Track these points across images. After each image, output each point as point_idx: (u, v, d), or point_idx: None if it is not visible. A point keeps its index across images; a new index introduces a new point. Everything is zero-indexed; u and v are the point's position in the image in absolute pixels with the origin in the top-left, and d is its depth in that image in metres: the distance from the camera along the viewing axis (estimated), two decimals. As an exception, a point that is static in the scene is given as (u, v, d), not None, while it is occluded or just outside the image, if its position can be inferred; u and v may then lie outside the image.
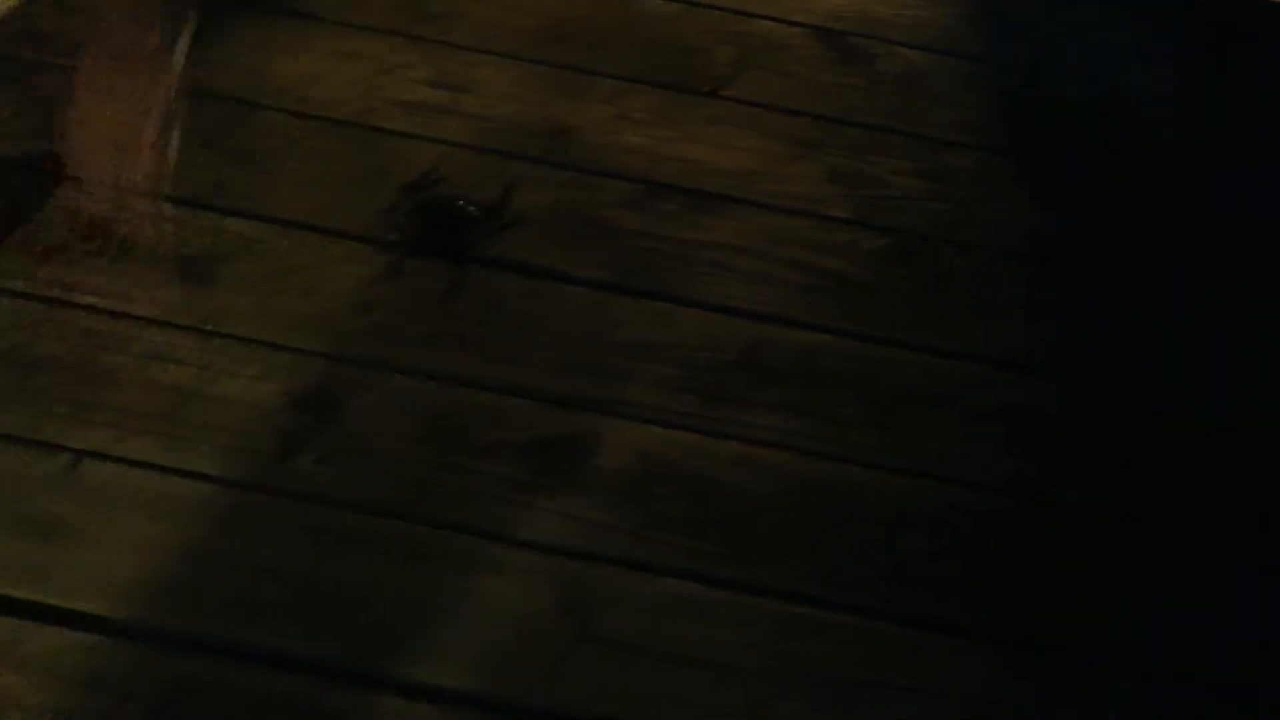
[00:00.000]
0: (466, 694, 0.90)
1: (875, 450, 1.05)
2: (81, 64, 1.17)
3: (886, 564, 0.99)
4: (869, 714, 0.91)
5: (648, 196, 1.17)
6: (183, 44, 1.16)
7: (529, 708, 0.90)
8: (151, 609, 0.92)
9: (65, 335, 1.03)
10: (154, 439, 0.99)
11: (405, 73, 1.21)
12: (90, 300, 1.05)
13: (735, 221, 1.16)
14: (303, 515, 0.97)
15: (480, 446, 1.02)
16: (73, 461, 0.97)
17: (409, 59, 1.22)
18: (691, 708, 0.91)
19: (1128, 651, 0.96)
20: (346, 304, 1.07)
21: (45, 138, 1.14)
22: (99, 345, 1.03)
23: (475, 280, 1.11)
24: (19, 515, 0.94)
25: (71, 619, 0.91)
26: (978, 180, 1.23)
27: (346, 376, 1.04)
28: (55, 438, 0.98)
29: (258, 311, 1.06)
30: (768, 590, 0.96)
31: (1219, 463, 1.06)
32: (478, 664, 0.92)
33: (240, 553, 0.95)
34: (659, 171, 1.19)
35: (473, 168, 1.17)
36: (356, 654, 0.91)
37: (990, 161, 1.24)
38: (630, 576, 0.96)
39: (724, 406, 1.06)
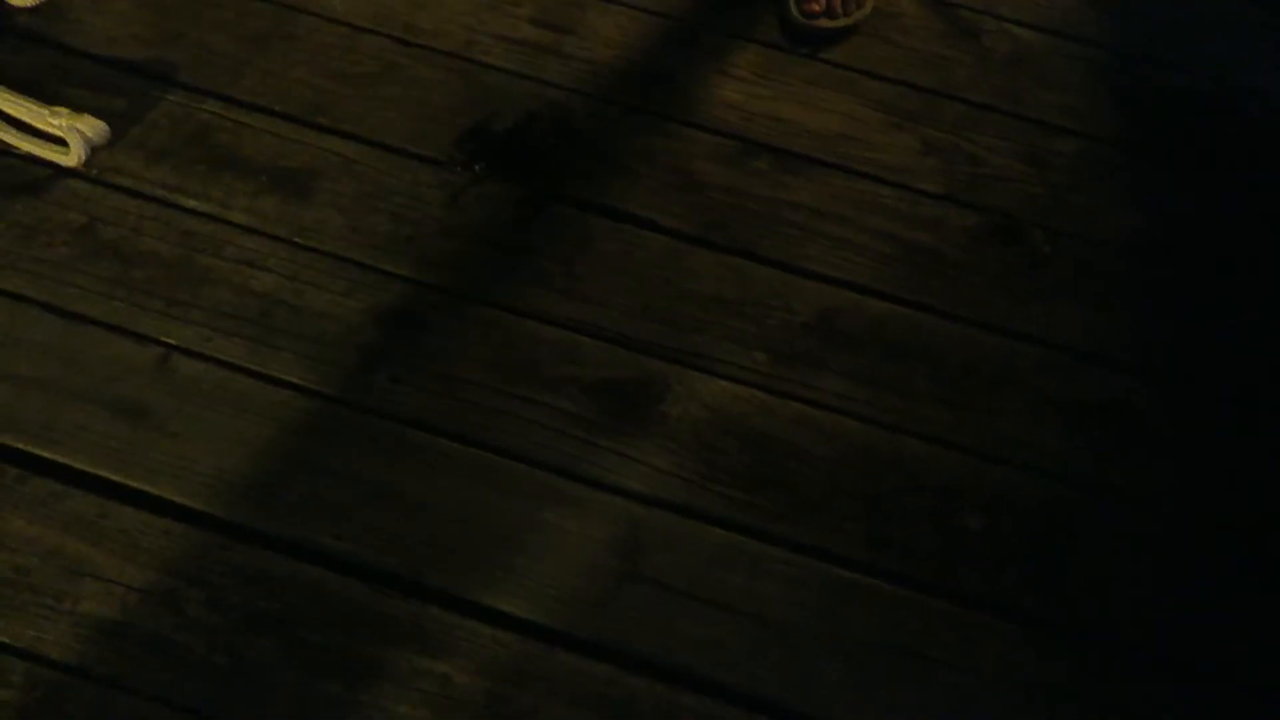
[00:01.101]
0: (512, 617, 0.93)
1: (940, 426, 1.04)
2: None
3: (940, 540, 0.98)
4: (911, 685, 0.92)
5: (739, 152, 1.16)
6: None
7: (572, 638, 0.92)
8: (226, 501, 0.96)
9: (166, 234, 1.08)
10: (241, 341, 1.03)
11: (510, 9, 1.22)
12: (191, 203, 1.09)
13: (823, 185, 1.15)
14: (374, 429, 1.00)
15: (550, 381, 1.04)
16: (164, 354, 1.02)
17: (515, -6, 1.23)
18: (731, 655, 0.92)
19: (1180, 646, 0.94)
20: (434, 230, 1.10)
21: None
22: (196, 247, 1.07)
23: (560, 218, 1.12)
24: (112, 400, 0.99)
25: (152, 502, 0.96)
26: (1078, 167, 1.19)
27: (427, 300, 1.07)
28: (150, 330, 1.03)
29: (348, 229, 1.09)
30: (819, 552, 0.97)
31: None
32: (527, 590, 0.94)
33: (313, 457, 0.99)
34: (752, 128, 1.18)
35: (568, 108, 1.18)
36: (412, 565, 0.95)
37: (1093, 149, 1.21)
38: (685, 523, 0.98)
39: (793, 367, 1.06)
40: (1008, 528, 0.99)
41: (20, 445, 0.97)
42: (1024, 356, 1.09)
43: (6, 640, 0.89)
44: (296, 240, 1.08)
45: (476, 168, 1.13)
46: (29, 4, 1.17)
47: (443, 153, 1.13)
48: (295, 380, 1.02)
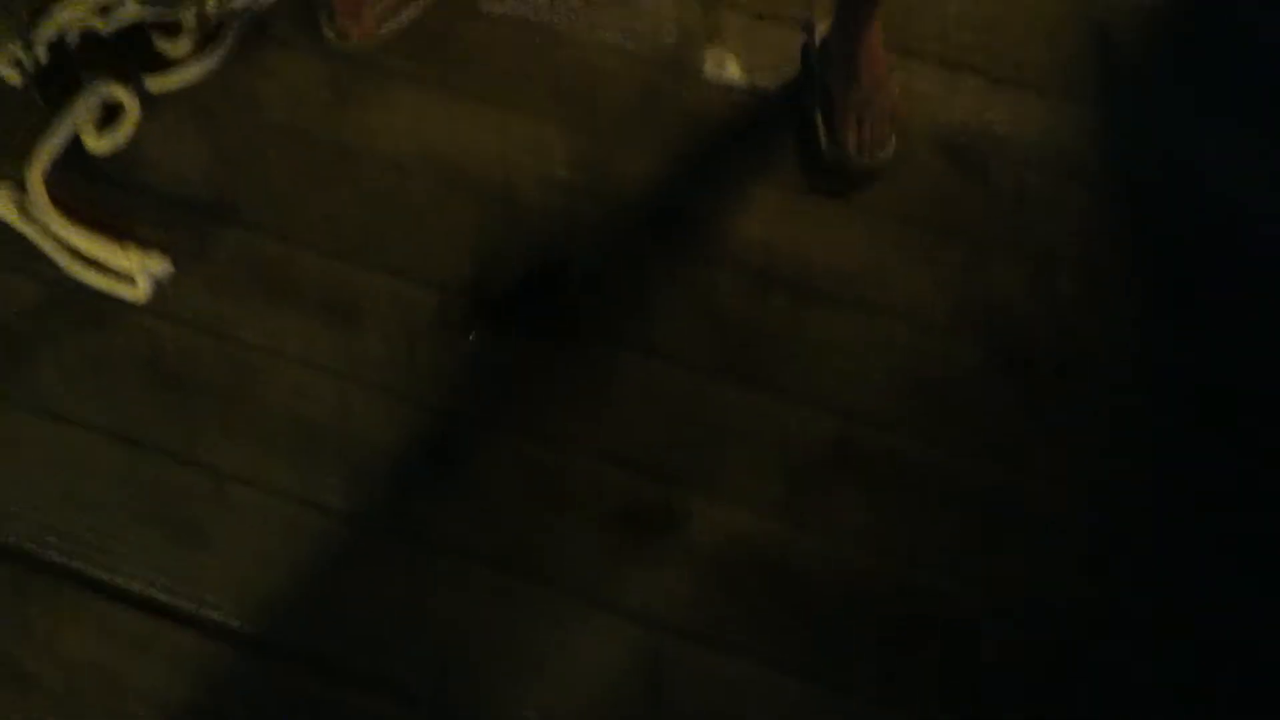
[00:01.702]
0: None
1: (954, 561, 1.08)
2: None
3: (954, 673, 1.02)
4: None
5: (759, 288, 1.23)
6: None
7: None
8: (270, 622, 1.02)
9: (223, 365, 1.15)
10: (290, 469, 1.10)
11: (548, 153, 1.31)
12: (248, 335, 1.17)
13: (840, 320, 1.22)
14: (413, 554, 1.06)
15: (578, 509, 1.09)
16: (218, 480, 1.09)
17: (553, 140, 1.32)
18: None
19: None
20: (471, 362, 1.17)
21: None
22: (251, 376, 1.15)
23: (589, 351, 1.19)
24: (167, 523, 1.06)
25: (200, 624, 1.02)
26: (1084, 299, 1.25)
27: (463, 430, 1.13)
28: (205, 457, 1.10)
29: (391, 361, 1.16)
30: (834, 683, 1.00)
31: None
32: (552, 716, 0.98)
33: (354, 582, 1.04)
34: (772, 265, 1.25)
35: (598, 246, 1.25)
36: (441, 687, 0.99)
37: (1099, 281, 1.26)
38: (705, 654, 1.02)
39: (811, 499, 1.11)
40: (1019, 662, 1.02)
41: (79, 566, 1.04)
42: (1038, 489, 1.13)
43: (61, 758, 0.95)
44: (344, 371, 1.15)
45: (515, 304, 1.20)
46: (105, 148, 1.28)
47: (481, 289, 1.21)
48: (339, 506, 1.08)
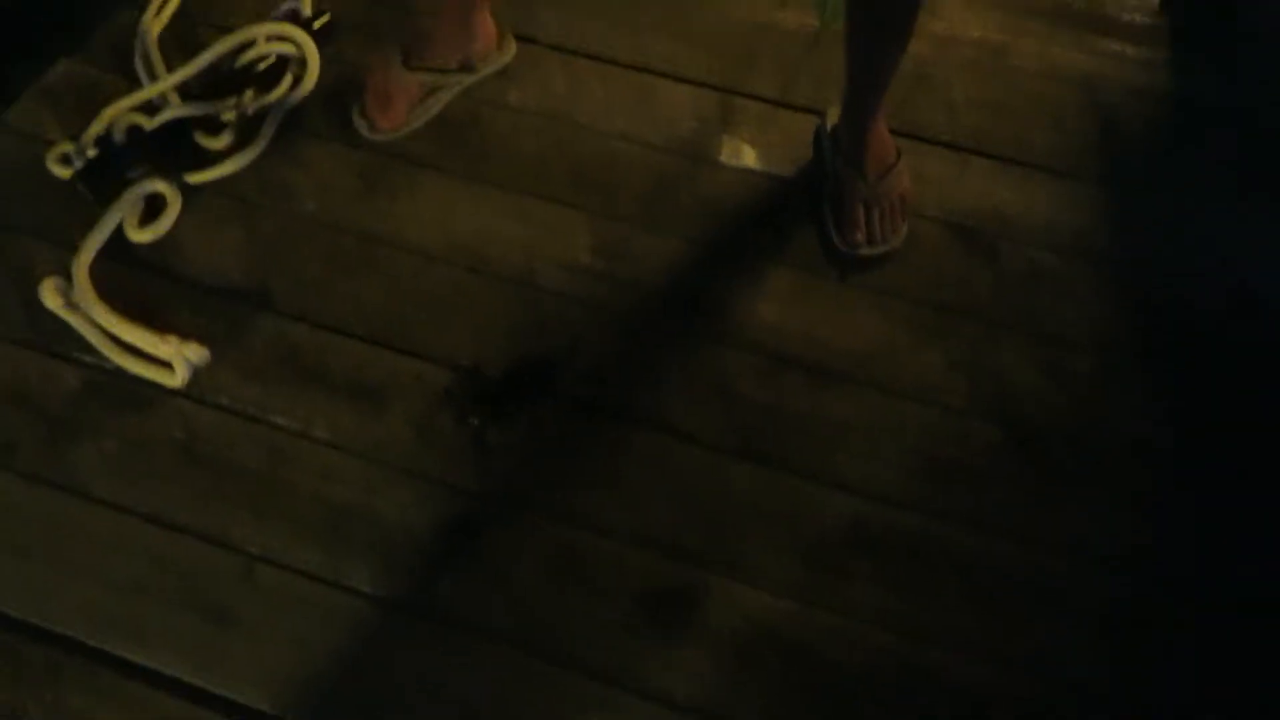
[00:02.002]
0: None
1: (970, 637, 1.09)
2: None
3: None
4: None
5: (775, 369, 1.26)
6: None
7: None
8: (299, 705, 1.04)
9: (255, 449, 1.19)
10: (319, 551, 1.13)
11: (569, 238, 1.36)
12: (279, 419, 1.21)
13: (855, 401, 1.24)
14: (438, 634, 1.08)
15: (598, 587, 1.11)
16: (248, 563, 1.12)
17: (574, 226, 1.37)
18: None
19: None
20: (493, 442, 1.20)
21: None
22: (282, 460, 1.19)
23: (608, 431, 1.22)
24: (201, 606, 1.09)
25: (231, 707, 1.04)
26: (1097, 378, 1.27)
27: (487, 511, 1.16)
28: (237, 539, 1.13)
29: (417, 443, 1.20)
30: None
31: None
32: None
33: (382, 661, 1.06)
34: (788, 346, 1.28)
35: (617, 328, 1.29)
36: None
37: (1111, 359, 1.28)
38: (724, 735, 1.03)
39: (828, 578, 1.13)
40: (1038, 746, 1.03)
41: (115, 649, 1.06)
42: (1052, 567, 1.14)
43: (93, 842, 0.96)
44: (370, 453, 1.19)
45: (536, 386, 1.24)
46: (147, 239, 1.34)
47: (501, 371, 1.25)
48: (367, 589, 1.11)
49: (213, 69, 1.48)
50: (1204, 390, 1.27)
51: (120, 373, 1.23)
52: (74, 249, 1.30)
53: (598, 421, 1.22)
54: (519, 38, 1.53)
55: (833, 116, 1.41)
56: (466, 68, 1.48)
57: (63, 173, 1.38)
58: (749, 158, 1.45)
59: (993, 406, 1.24)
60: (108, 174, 1.36)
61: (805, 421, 1.23)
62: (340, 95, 1.47)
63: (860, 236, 1.34)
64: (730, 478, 1.19)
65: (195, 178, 1.39)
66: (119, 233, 1.33)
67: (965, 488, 1.19)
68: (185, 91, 1.46)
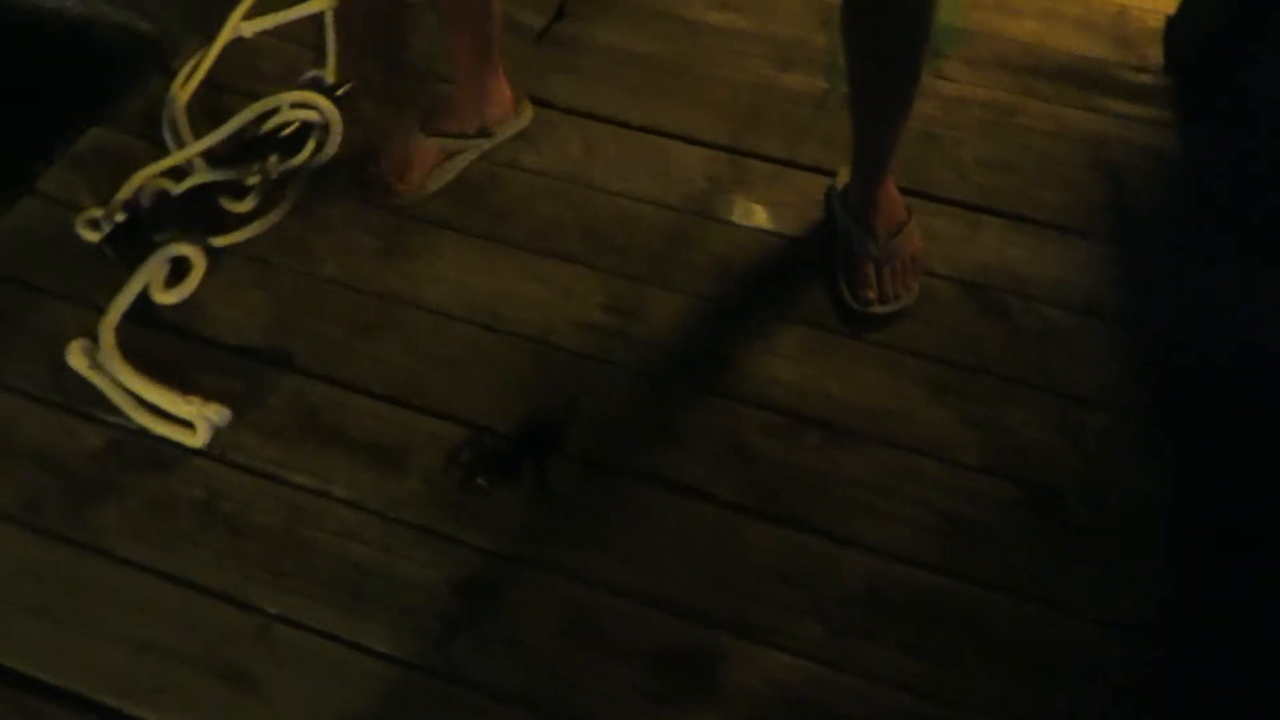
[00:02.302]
0: None
1: (990, 700, 1.08)
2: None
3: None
4: None
5: (790, 427, 1.27)
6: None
7: None
8: (313, 768, 1.03)
9: (274, 508, 1.20)
10: (336, 611, 1.13)
11: (584, 297, 1.38)
12: (299, 479, 1.22)
13: (870, 459, 1.24)
14: (454, 695, 1.08)
15: (616, 650, 1.11)
16: (266, 623, 1.12)
17: (589, 285, 1.39)
18: None
19: None
20: (510, 502, 1.20)
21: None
22: (300, 520, 1.20)
23: (623, 490, 1.22)
24: (217, 665, 1.09)
25: (247, 769, 1.04)
26: (1111, 438, 1.27)
27: (503, 570, 1.16)
28: (255, 599, 1.14)
29: (434, 502, 1.21)
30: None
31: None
32: None
33: (395, 725, 1.06)
34: (802, 404, 1.29)
35: (631, 387, 1.30)
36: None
37: (1124, 420, 1.28)
38: (743, 800, 1.02)
39: (847, 639, 1.12)
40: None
41: (133, 710, 1.06)
42: (1070, 630, 1.13)
43: None
44: (389, 513, 1.20)
45: (550, 446, 1.24)
46: (172, 301, 1.36)
47: (517, 429, 1.26)
48: (383, 649, 1.10)
49: (238, 135, 1.52)
50: (1217, 449, 1.27)
51: (143, 433, 1.25)
52: (100, 311, 1.33)
53: (613, 480, 1.23)
54: (534, 102, 1.57)
55: (843, 177, 1.43)
56: (484, 133, 1.52)
57: (91, 237, 1.41)
58: (760, 217, 1.47)
59: (1007, 464, 1.24)
60: (135, 238, 1.39)
61: (820, 479, 1.23)
62: (361, 160, 1.51)
63: (872, 295, 1.35)
64: (746, 537, 1.19)
65: (220, 241, 1.42)
66: (144, 295, 1.36)
67: (981, 546, 1.18)
68: (211, 157, 1.50)
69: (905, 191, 1.43)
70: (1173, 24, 1.67)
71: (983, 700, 1.08)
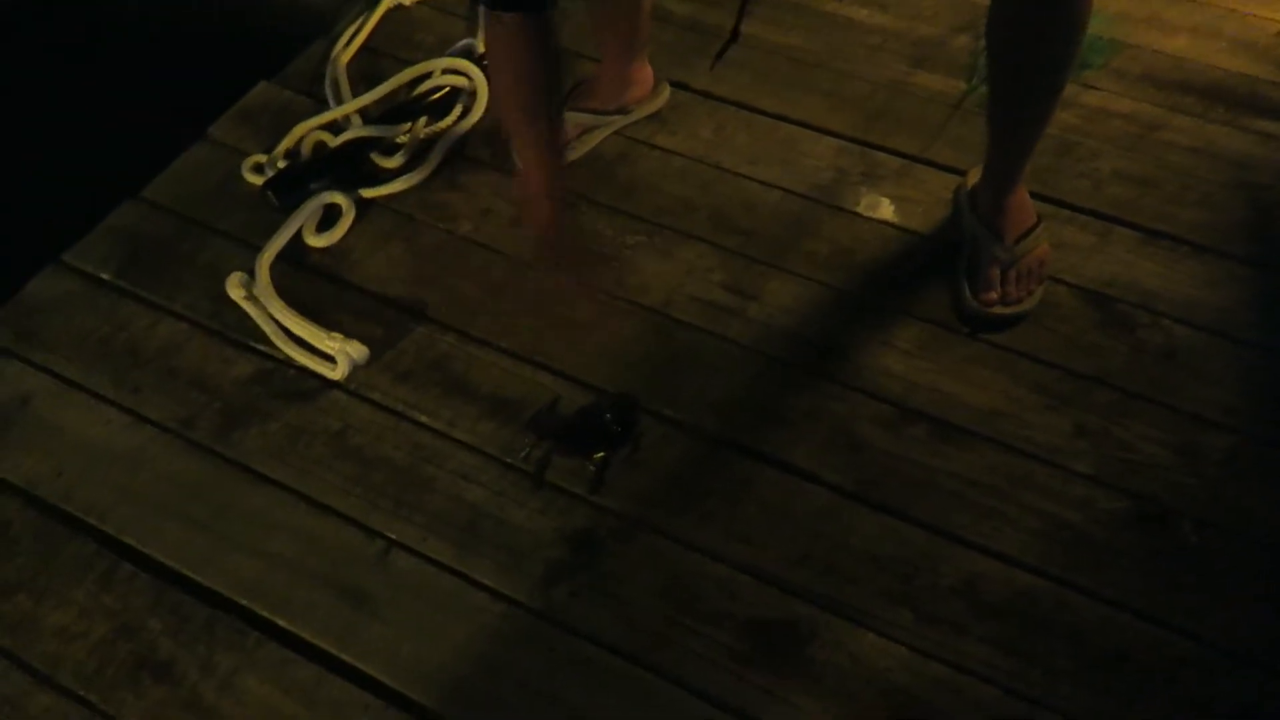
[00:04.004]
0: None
1: (1078, 706, 1.08)
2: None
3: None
4: None
5: (898, 418, 1.28)
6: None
7: None
8: (417, 686, 1.10)
9: (401, 444, 1.28)
10: (450, 545, 1.20)
11: (706, 275, 1.42)
12: (424, 419, 1.30)
13: (977, 457, 1.25)
14: (551, 637, 1.14)
15: (709, 613, 1.15)
16: (386, 548, 1.20)
17: (711, 263, 1.43)
18: None
19: None
20: (621, 463, 1.25)
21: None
22: (424, 457, 1.27)
23: (730, 463, 1.26)
24: (339, 583, 1.17)
25: (359, 678, 1.11)
26: (1231, 462, 1.24)
27: (607, 525, 1.21)
28: (378, 526, 1.22)
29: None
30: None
31: None
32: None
33: (496, 656, 1.12)
34: (913, 397, 1.30)
35: (745, 365, 1.34)
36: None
37: (1247, 447, 1.25)
38: (822, 769, 1.04)
39: (937, 629, 1.13)
40: (1145, 823, 1.00)
41: (263, 613, 1.15)
42: (1167, 646, 1.11)
43: (228, 787, 1.05)
44: (506, 460, 1.26)
45: (663, 412, 1.29)
46: (322, 245, 1.46)
47: (634, 395, 1.31)
48: (490, 585, 1.17)
49: (392, 96, 1.61)
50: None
51: (288, 364, 1.35)
52: (258, 249, 1.44)
53: (720, 453, 1.26)
54: (672, 84, 1.62)
55: (973, 177, 1.43)
56: (621, 110, 1.58)
57: (254, 181, 1.52)
58: (886, 210, 1.49)
59: (1119, 477, 1.23)
60: (293, 184, 1.50)
61: (925, 472, 1.24)
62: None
63: (994, 296, 1.35)
64: (846, 521, 1.21)
65: (369, 193, 1.51)
66: (298, 238, 1.46)
67: (1085, 555, 1.18)
68: (366, 115, 1.59)
69: (1036, 197, 1.42)
70: (1337, 47, 1.60)
71: (1069, 705, 1.08)
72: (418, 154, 1.55)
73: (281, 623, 1.14)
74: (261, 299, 1.38)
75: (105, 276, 1.44)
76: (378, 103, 1.61)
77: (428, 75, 1.63)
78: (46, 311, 1.41)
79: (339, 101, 1.62)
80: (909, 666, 1.11)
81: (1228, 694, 1.09)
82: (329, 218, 1.49)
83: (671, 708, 1.09)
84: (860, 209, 1.49)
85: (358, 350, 1.33)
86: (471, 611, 1.15)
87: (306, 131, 1.57)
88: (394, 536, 1.21)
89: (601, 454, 1.24)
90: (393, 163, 1.54)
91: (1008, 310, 1.35)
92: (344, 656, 1.12)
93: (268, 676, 1.11)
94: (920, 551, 1.18)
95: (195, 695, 1.10)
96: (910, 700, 1.09)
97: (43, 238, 1.50)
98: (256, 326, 1.37)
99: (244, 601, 1.16)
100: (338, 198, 1.48)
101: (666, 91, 1.61)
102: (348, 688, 1.11)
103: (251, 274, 1.41)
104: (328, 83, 1.64)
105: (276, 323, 1.36)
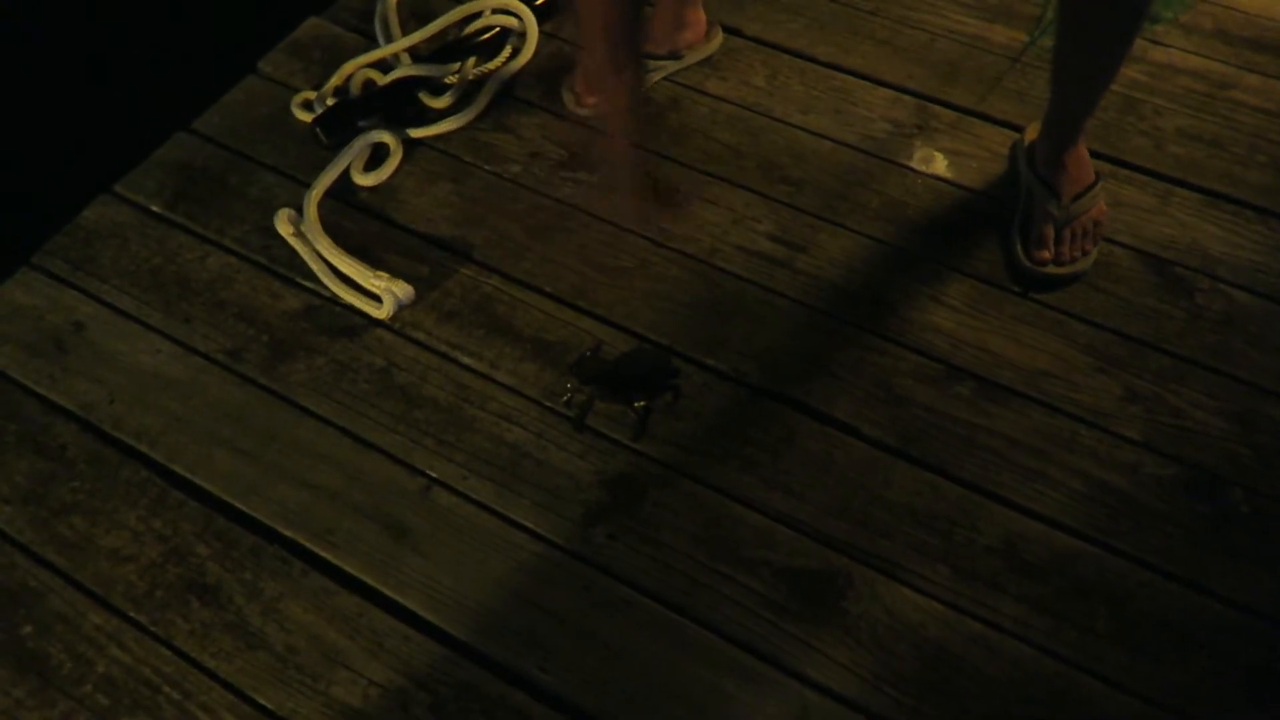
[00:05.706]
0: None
1: (1116, 669, 1.07)
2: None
3: (1107, 785, 1.00)
4: None
5: (943, 375, 1.27)
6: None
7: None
8: (457, 620, 1.12)
9: (444, 383, 1.29)
10: (490, 484, 1.21)
11: (752, 224, 1.40)
12: (468, 360, 1.31)
13: (1022, 417, 1.23)
14: (588, 578, 1.15)
15: (746, 561, 1.15)
16: (428, 485, 1.22)
17: (758, 213, 1.41)
18: None
19: None
20: (662, 410, 1.25)
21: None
22: (466, 397, 1.28)
23: (772, 414, 1.25)
24: (382, 517, 1.19)
25: (399, 611, 1.13)
26: (1286, 431, 1.22)
27: (647, 471, 1.21)
28: (420, 463, 1.23)
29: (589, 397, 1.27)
30: (981, 772, 1.01)
31: None
32: (701, 752, 1.03)
33: (533, 594, 1.14)
34: (959, 354, 1.28)
35: (791, 316, 1.33)
36: (601, 706, 1.07)
37: (1305, 415, 1.23)
38: (853, 717, 1.05)
39: (974, 585, 1.13)
40: (1178, 786, 1.00)
41: (307, 543, 1.18)
42: (1210, 613, 1.10)
43: (271, 708, 1.08)
44: (547, 404, 1.27)
45: (704, 360, 1.28)
46: (370, 183, 1.46)
47: (676, 343, 1.30)
48: (529, 525, 1.18)
49: (441, 35, 1.60)
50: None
51: (334, 300, 1.36)
52: (307, 185, 1.44)
53: (762, 402, 1.26)
54: (725, 29, 1.59)
55: (1031, 132, 1.40)
56: (673, 55, 1.55)
57: (304, 117, 1.52)
58: (940, 165, 1.46)
59: (1170, 443, 1.21)
60: (342, 122, 1.49)
61: (969, 430, 1.23)
62: (552, 70, 1.57)
63: (1048, 255, 1.32)
64: (886, 475, 1.20)
65: (416, 132, 1.51)
66: (345, 175, 1.46)
67: (1130, 520, 1.16)
68: (415, 54, 1.58)
69: (1096, 155, 1.38)
70: None
71: (1105, 665, 1.07)
72: (466, 94, 1.54)
73: (324, 553, 1.17)
74: (309, 235, 1.39)
75: (156, 208, 1.46)
76: (427, 41, 1.59)
77: (478, 15, 1.61)
78: (99, 241, 1.43)
79: (388, 39, 1.61)
80: (944, 621, 1.11)
81: (1268, 660, 1.07)
82: (377, 157, 1.49)
83: (705, 652, 1.10)
84: (914, 163, 1.46)
85: (403, 289, 1.33)
86: (510, 549, 1.17)
87: (355, 69, 1.56)
88: (435, 474, 1.22)
89: (643, 402, 1.24)
90: (442, 103, 1.53)
91: (1061, 270, 1.32)
92: (384, 589, 1.15)
93: (311, 604, 1.14)
94: (960, 509, 1.18)
95: (241, 619, 1.13)
96: (944, 655, 1.09)
97: (95, 168, 1.52)
98: (304, 263, 1.38)
99: (288, 533, 1.18)
100: (386, 137, 1.48)
101: (719, 37, 1.59)
102: (389, 620, 1.13)
103: (300, 210, 1.41)
104: (377, 19, 1.63)
105: (324, 260, 1.37)
